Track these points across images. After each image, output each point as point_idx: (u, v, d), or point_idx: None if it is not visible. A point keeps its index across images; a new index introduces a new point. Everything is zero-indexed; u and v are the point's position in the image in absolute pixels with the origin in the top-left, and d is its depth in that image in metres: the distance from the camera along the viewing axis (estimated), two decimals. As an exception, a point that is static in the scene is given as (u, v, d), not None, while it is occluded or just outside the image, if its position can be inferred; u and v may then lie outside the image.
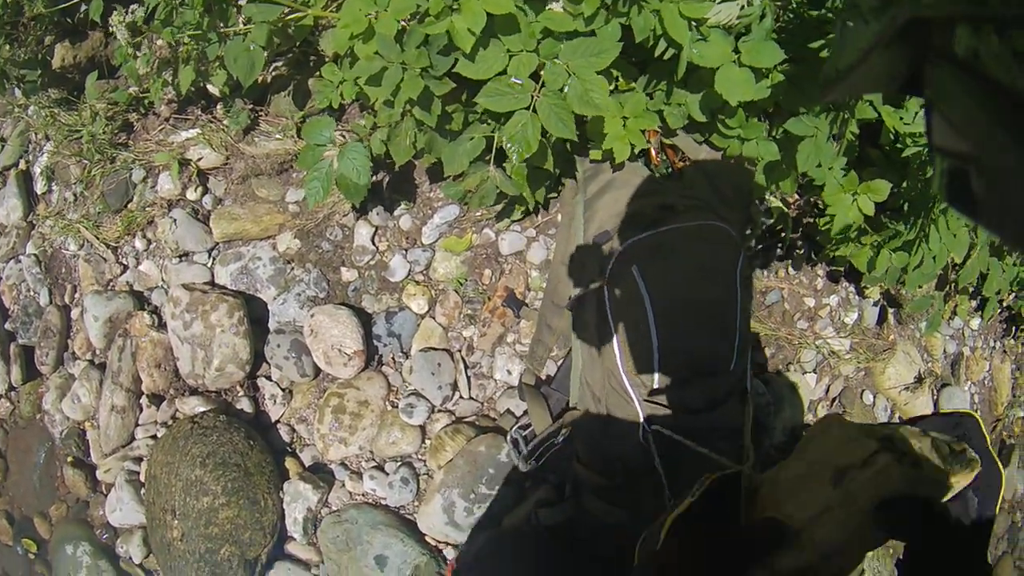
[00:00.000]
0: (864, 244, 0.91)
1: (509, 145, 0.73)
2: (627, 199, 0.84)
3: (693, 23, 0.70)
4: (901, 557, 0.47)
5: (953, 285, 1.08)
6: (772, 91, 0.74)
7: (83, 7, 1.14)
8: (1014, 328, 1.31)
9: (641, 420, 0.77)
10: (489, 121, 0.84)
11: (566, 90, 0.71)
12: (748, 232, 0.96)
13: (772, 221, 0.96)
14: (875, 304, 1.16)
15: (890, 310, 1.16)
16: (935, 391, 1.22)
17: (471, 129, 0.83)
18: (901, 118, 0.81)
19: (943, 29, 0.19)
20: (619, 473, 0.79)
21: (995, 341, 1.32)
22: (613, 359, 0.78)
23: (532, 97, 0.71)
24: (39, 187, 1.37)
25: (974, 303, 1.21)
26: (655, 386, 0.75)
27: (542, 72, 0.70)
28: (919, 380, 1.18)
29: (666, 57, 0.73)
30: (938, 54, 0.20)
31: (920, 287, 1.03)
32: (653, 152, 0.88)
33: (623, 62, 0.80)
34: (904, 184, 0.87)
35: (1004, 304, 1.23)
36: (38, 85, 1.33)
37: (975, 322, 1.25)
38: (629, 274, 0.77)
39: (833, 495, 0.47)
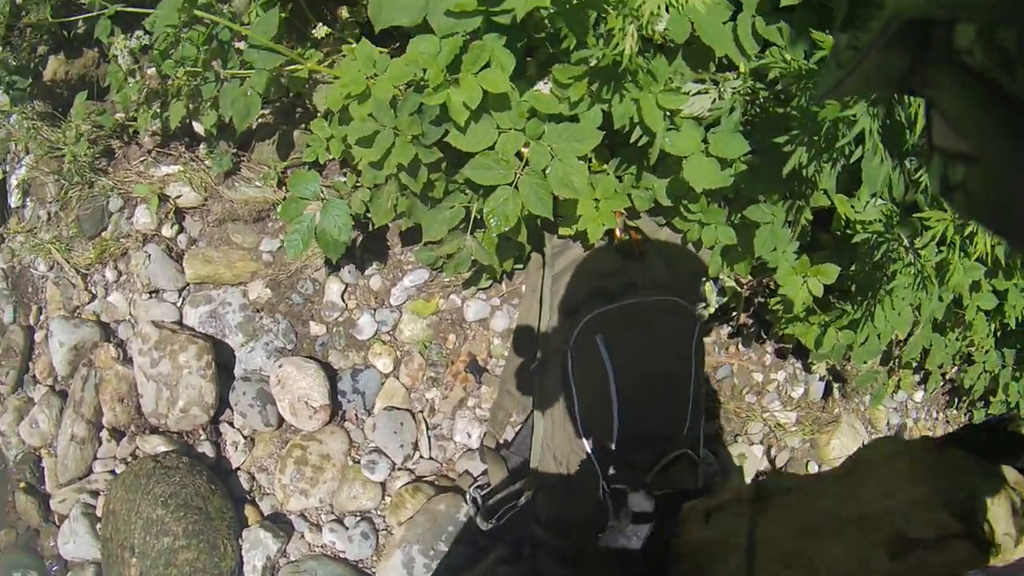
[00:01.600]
0: (812, 323, 0.98)
1: (490, 218, 0.78)
2: (593, 275, 0.89)
3: (668, 113, 0.76)
4: None
5: (897, 360, 1.15)
6: (734, 179, 0.80)
7: (82, 23, 1.15)
8: (956, 399, 1.39)
9: (601, 480, 0.81)
10: (467, 192, 0.88)
11: (548, 171, 0.76)
12: (702, 309, 1.02)
13: (725, 300, 1.02)
14: (821, 379, 1.23)
15: (835, 385, 1.23)
16: None
17: (451, 198, 0.88)
18: (852, 206, 0.87)
19: (943, 29, 0.19)
20: (575, 535, 0.84)
21: (937, 412, 1.40)
22: (575, 424, 0.83)
23: (515, 175, 0.75)
24: (13, 200, 1.38)
25: (917, 377, 1.28)
26: (613, 448, 0.80)
27: (524, 151, 0.75)
28: None
29: (640, 143, 0.78)
30: (938, 54, 0.20)
31: (865, 363, 1.10)
32: (618, 231, 0.94)
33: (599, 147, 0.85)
34: (852, 268, 0.94)
35: (947, 376, 1.31)
36: (26, 94, 1.34)
37: (918, 395, 1.34)
38: (593, 343, 0.82)
39: (888, 567, 0.40)
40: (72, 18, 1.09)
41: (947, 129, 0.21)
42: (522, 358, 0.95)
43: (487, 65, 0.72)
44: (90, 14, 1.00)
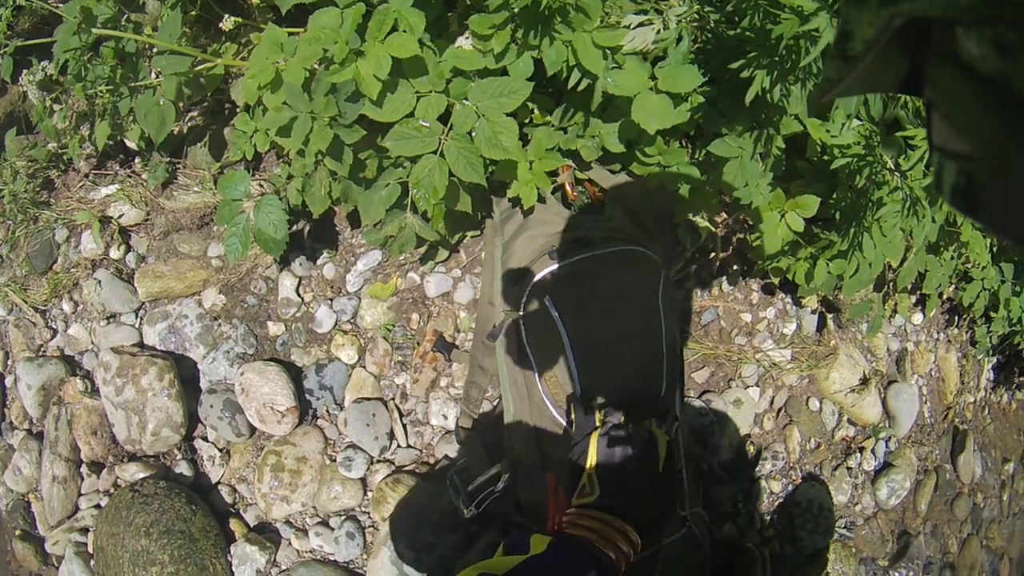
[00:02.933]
0: (799, 258, 0.93)
1: (415, 191, 0.74)
2: (543, 236, 0.85)
3: (607, 52, 0.70)
4: None
5: (891, 285, 1.11)
6: (692, 114, 0.75)
7: None
8: (956, 318, 1.35)
9: (572, 444, 0.77)
10: (405, 165, 0.84)
11: (474, 133, 0.71)
12: (678, 254, 0.97)
13: (701, 241, 0.98)
14: (813, 312, 1.18)
15: (829, 316, 1.18)
16: (882, 389, 1.25)
17: (386, 175, 0.84)
18: (828, 130, 0.82)
19: (943, 29, 0.19)
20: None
21: (938, 333, 1.36)
22: (538, 393, 0.79)
23: (440, 140, 0.71)
24: (-35, 251, 1.37)
25: (913, 299, 1.24)
26: (583, 415, 0.76)
27: (452, 113, 0.71)
28: (864, 381, 1.21)
29: (580, 88, 0.73)
30: (938, 54, 0.20)
31: (858, 292, 1.04)
32: (568, 187, 0.89)
33: (539, 95, 0.81)
34: (834, 195, 0.88)
35: (945, 297, 1.26)
36: (-45, 143, 1.33)
37: (917, 317, 1.30)
38: (542, 306, 0.78)
39: None
40: None
41: (947, 129, 0.21)
42: (486, 328, 0.91)
43: (394, 29, 0.67)
44: None
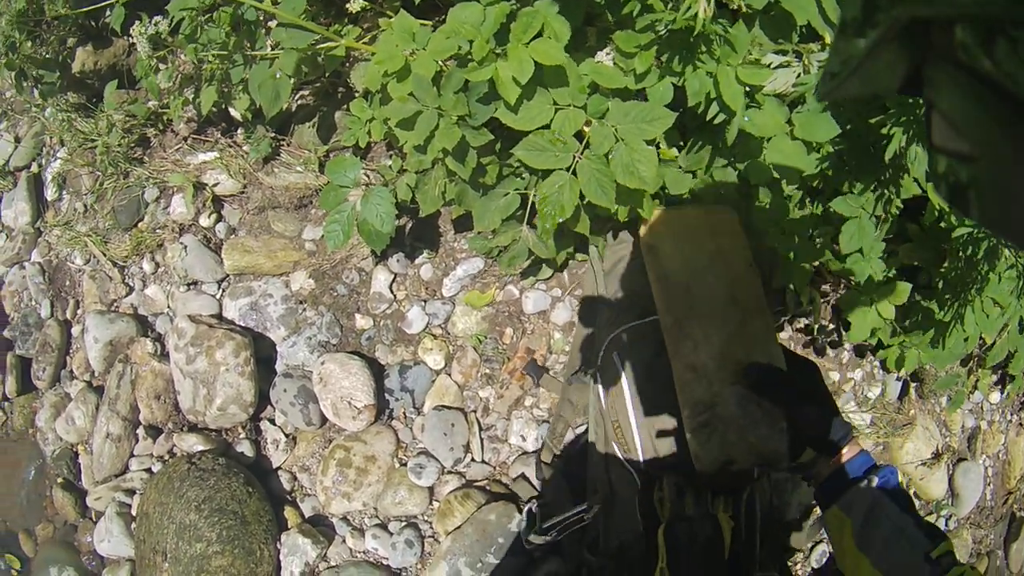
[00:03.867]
0: (890, 344, 0.90)
1: (544, 206, 0.71)
2: (630, 285, 0.83)
3: (748, 89, 0.68)
4: None
5: (976, 360, 1.07)
6: (820, 165, 0.72)
7: (108, 12, 1.14)
8: None
9: (636, 499, 0.76)
10: (523, 176, 0.82)
11: (612, 156, 0.69)
12: (778, 313, 0.94)
13: (802, 309, 0.95)
14: (898, 379, 1.15)
15: (912, 384, 1.15)
16: (951, 466, 1.21)
17: (506, 184, 0.82)
18: None
19: (943, 29, 0.19)
20: (623, 559, 0.78)
21: (1012, 415, 1.33)
22: (610, 443, 0.78)
23: (574, 158, 0.68)
24: (49, 193, 1.38)
25: (995, 377, 1.20)
26: (642, 466, 0.75)
27: (586, 130, 0.68)
28: (936, 455, 1.20)
29: (716, 123, 0.70)
30: (938, 55, 0.20)
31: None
32: None
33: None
34: (945, 264, 0.85)
35: None
36: (56, 87, 1.34)
37: (995, 396, 1.27)
38: (613, 362, 0.77)
39: None
40: (90, 7, 1.07)
41: (947, 129, 0.21)
42: (582, 364, 0.89)
43: (539, 34, 0.65)
44: (108, 2, 0.97)
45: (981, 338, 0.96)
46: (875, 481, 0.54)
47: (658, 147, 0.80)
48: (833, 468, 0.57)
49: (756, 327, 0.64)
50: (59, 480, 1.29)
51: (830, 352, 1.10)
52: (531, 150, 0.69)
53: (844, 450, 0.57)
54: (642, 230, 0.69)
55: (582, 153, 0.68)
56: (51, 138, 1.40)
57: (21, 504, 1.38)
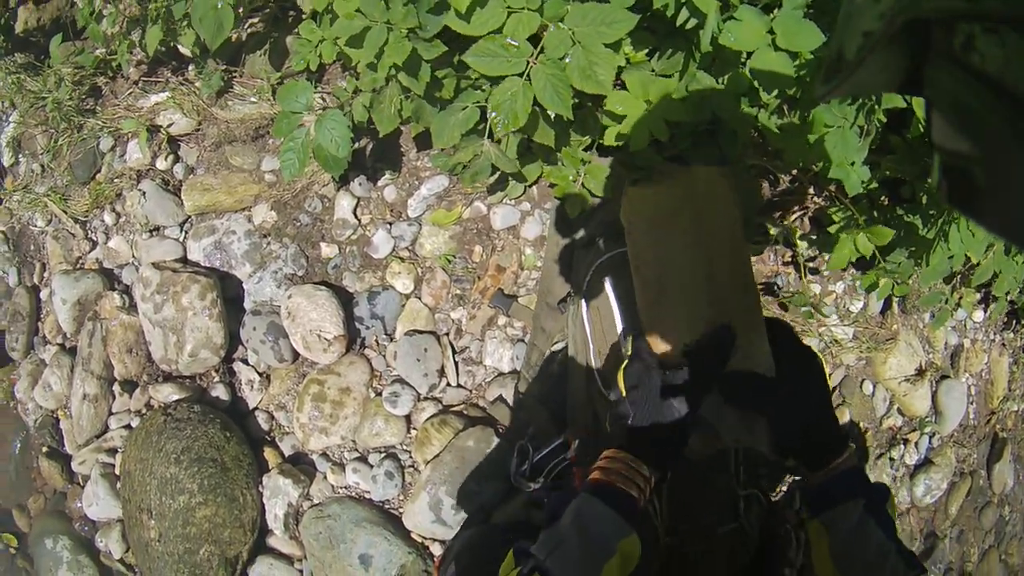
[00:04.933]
0: (867, 273, 0.88)
1: (494, 115, 0.67)
2: (616, 208, 0.80)
3: None
4: None
5: (960, 278, 1.05)
6: (799, 73, 0.68)
7: None
8: (1015, 322, 1.32)
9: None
10: (485, 88, 0.78)
11: (567, 60, 0.64)
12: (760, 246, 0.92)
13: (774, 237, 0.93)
14: (892, 294, 1.12)
15: (895, 299, 1.12)
16: (934, 383, 1.20)
17: (464, 97, 0.78)
18: None
19: (943, 29, 0.20)
20: None
21: (995, 334, 1.32)
22: (594, 372, 0.76)
23: (528, 63, 0.64)
24: (6, 159, 1.34)
25: (978, 296, 1.18)
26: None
27: (543, 36, 0.64)
28: (920, 372, 1.19)
29: (687, 28, 0.66)
30: (938, 54, 0.20)
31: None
32: None
33: (636, 30, 0.74)
34: (929, 179, 0.82)
35: (1009, 299, 1.20)
36: (2, 51, 1.29)
37: (978, 315, 1.27)
38: (602, 287, 0.74)
39: None
40: None
41: (947, 129, 0.21)
42: (555, 291, 0.86)
43: None
44: None
45: (966, 256, 0.94)
46: (861, 504, 0.50)
47: (624, 51, 0.76)
48: (820, 479, 0.53)
49: (737, 312, 0.57)
50: (43, 449, 1.27)
51: (811, 264, 1.07)
52: (482, 56, 0.65)
53: (835, 462, 0.53)
54: (622, 206, 0.64)
55: (536, 58, 0.64)
56: (2, 103, 1.36)
57: (11, 480, 1.37)
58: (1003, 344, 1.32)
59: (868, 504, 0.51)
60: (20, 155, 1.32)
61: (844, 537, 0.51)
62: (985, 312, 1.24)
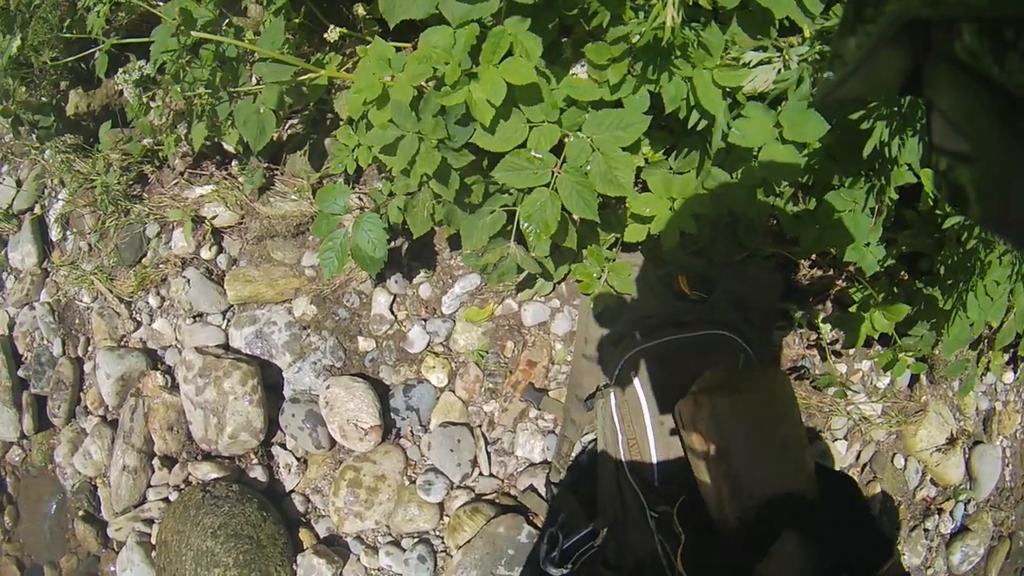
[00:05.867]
0: (887, 352, 0.91)
1: (526, 225, 0.72)
2: (646, 307, 0.85)
3: (727, 91, 0.68)
4: None
5: (986, 342, 1.07)
6: (808, 162, 0.72)
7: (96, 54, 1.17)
8: None
9: (647, 511, 0.76)
10: (511, 192, 0.83)
11: (589, 167, 0.69)
12: (775, 347, 0.97)
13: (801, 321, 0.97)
14: (908, 367, 1.14)
15: (922, 371, 1.14)
16: (967, 450, 1.21)
17: (492, 201, 0.83)
18: None
19: (943, 29, 0.19)
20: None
21: None
22: (624, 462, 0.79)
23: (553, 173, 0.69)
24: (54, 234, 1.41)
25: (1006, 357, 1.19)
26: (656, 486, 0.76)
27: (565, 145, 0.69)
28: (951, 440, 1.19)
29: (699, 128, 0.71)
30: (938, 55, 0.20)
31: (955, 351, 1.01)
32: (684, 283, 0.89)
33: (653, 131, 0.78)
34: (942, 252, 0.85)
35: None
36: (51, 131, 1.37)
37: (1008, 376, 1.26)
38: (631, 380, 0.78)
39: None
40: (79, 56, 1.09)
41: (947, 129, 0.21)
42: (584, 384, 0.90)
43: (509, 53, 0.65)
44: (94, 49, 0.99)
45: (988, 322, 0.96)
46: None
47: (645, 154, 0.81)
48: None
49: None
50: (80, 513, 1.31)
51: (836, 345, 1.10)
52: (510, 170, 0.70)
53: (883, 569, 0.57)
54: (702, 422, 0.68)
55: (560, 167, 0.69)
56: (52, 180, 1.43)
57: (45, 538, 1.41)
58: None
59: None
60: (68, 231, 1.39)
61: None
62: (1015, 373, 1.23)
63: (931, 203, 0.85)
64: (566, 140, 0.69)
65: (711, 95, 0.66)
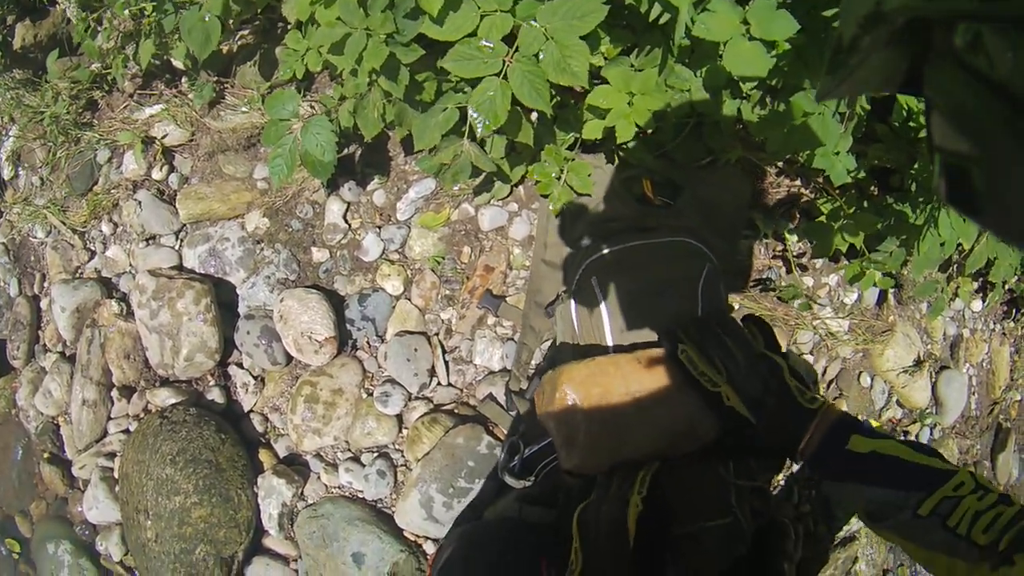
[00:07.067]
0: (853, 263, 0.89)
1: (475, 115, 0.68)
2: (608, 210, 0.81)
3: None
4: None
5: (956, 267, 1.05)
6: (776, 64, 0.68)
7: None
8: (1014, 311, 1.32)
9: None
10: (466, 90, 0.79)
11: (541, 56, 0.66)
12: (739, 260, 0.94)
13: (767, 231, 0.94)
14: (875, 284, 1.12)
15: (890, 290, 1.12)
16: (933, 374, 1.20)
17: (444, 99, 0.80)
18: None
19: (944, 29, 0.20)
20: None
21: (995, 323, 1.31)
22: None
23: (504, 63, 0.66)
24: (6, 173, 1.36)
25: (975, 285, 1.18)
26: None
27: (517, 35, 0.66)
28: (918, 363, 1.17)
29: (662, 22, 0.67)
30: (938, 54, 0.20)
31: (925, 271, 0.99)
32: (649, 187, 0.85)
33: (613, 28, 0.75)
34: (915, 166, 0.82)
35: (1006, 287, 1.20)
36: (1, 67, 1.31)
37: (976, 304, 1.26)
38: (591, 287, 0.76)
39: None
40: None
41: (947, 129, 0.21)
42: (544, 290, 0.87)
43: None
44: None
45: (960, 245, 0.94)
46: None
47: (601, 47, 0.77)
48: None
49: None
50: (45, 455, 1.28)
51: (803, 258, 1.07)
52: (459, 60, 0.67)
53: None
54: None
55: (512, 56, 0.66)
56: (1, 118, 1.38)
57: (14, 486, 1.38)
58: (1003, 333, 1.31)
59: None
60: (20, 168, 1.34)
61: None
62: (983, 301, 1.23)
63: (904, 115, 0.82)
64: (518, 31, 0.66)
65: (673, -16, 0.63)
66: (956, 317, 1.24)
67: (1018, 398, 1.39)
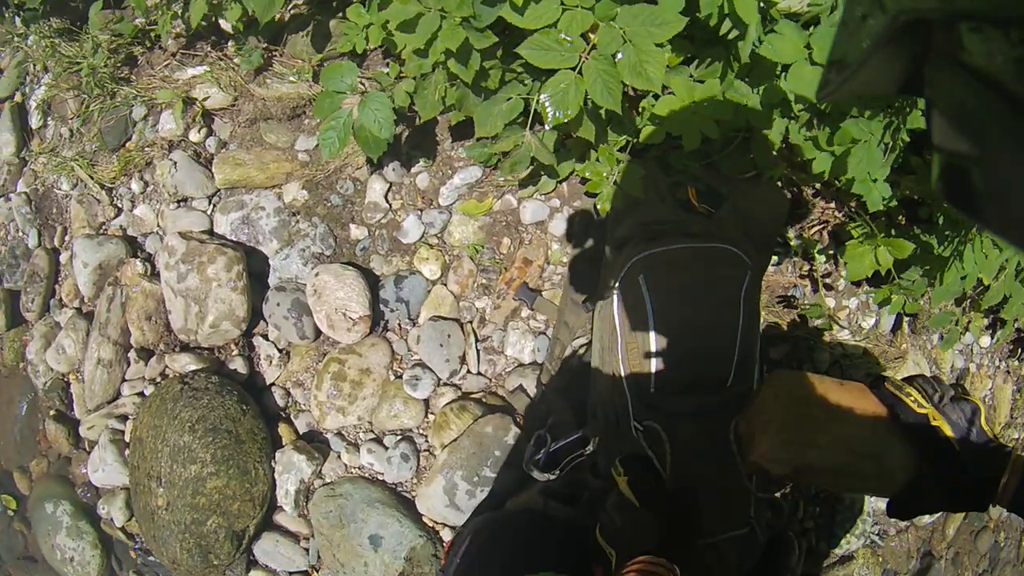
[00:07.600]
0: (881, 290, 0.90)
1: (547, 105, 0.68)
2: (653, 213, 0.82)
3: (761, 4, 0.65)
4: None
5: (970, 301, 1.07)
6: None
7: None
8: (1020, 350, 1.32)
9: (632, 420, 0.76)
10: (528, 82, 0.78)
11: (619, 57, 0.66)
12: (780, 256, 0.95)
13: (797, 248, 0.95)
14: (903, 311, 1.14)
15: (906, 318, 1.14)
16: None
17: (508, 88, 0.80)
18: None
19: (944, 29, 0.19)
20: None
21: (1000, 361, 1.34)
22: (618, 364, 0.77)
23: (580, 58, 0.65)
24: (34, 121, 1.33)
25: (986, 321, 1.20)
26: (652, 392, 0.76)
27: (593, 34, 0.65)
28: None
29: (730, 38, 0.68)
30: (939, 54, 0.20)
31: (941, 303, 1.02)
32: (693, 196, 0.86)
33: (675, 37, 0.75)
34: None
35: (1016, 325, 1.23)
36: (39, 13, 1.29)
37: (985, 340, 1.27)
38: (637, 284, 0.76)
39: None
40: None
41: (947, 129, 0.21)
42: (578, 287, 0.87)
43: None
44: None
45: (978, 280, 0.96)
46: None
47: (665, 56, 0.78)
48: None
49: None
50: (51, 412, 1.26)
51: (827, 279, 1.08)
52: (536, 49, 0.67)
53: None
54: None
55: (588, 54, 0.65)
56: (34, 66, 1.35)
57: (15, 441, 1.36)
58: (1007, 371, 1.34)
59: None
60: (49, 118, 1.31)
61: None
62: (992, 338, 1.26)
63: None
64: (596, 30, 0.66)
65: (746, 5, 0.64)
66: (965, 351, 1.27)
67: (1016, 436, 1.42)
